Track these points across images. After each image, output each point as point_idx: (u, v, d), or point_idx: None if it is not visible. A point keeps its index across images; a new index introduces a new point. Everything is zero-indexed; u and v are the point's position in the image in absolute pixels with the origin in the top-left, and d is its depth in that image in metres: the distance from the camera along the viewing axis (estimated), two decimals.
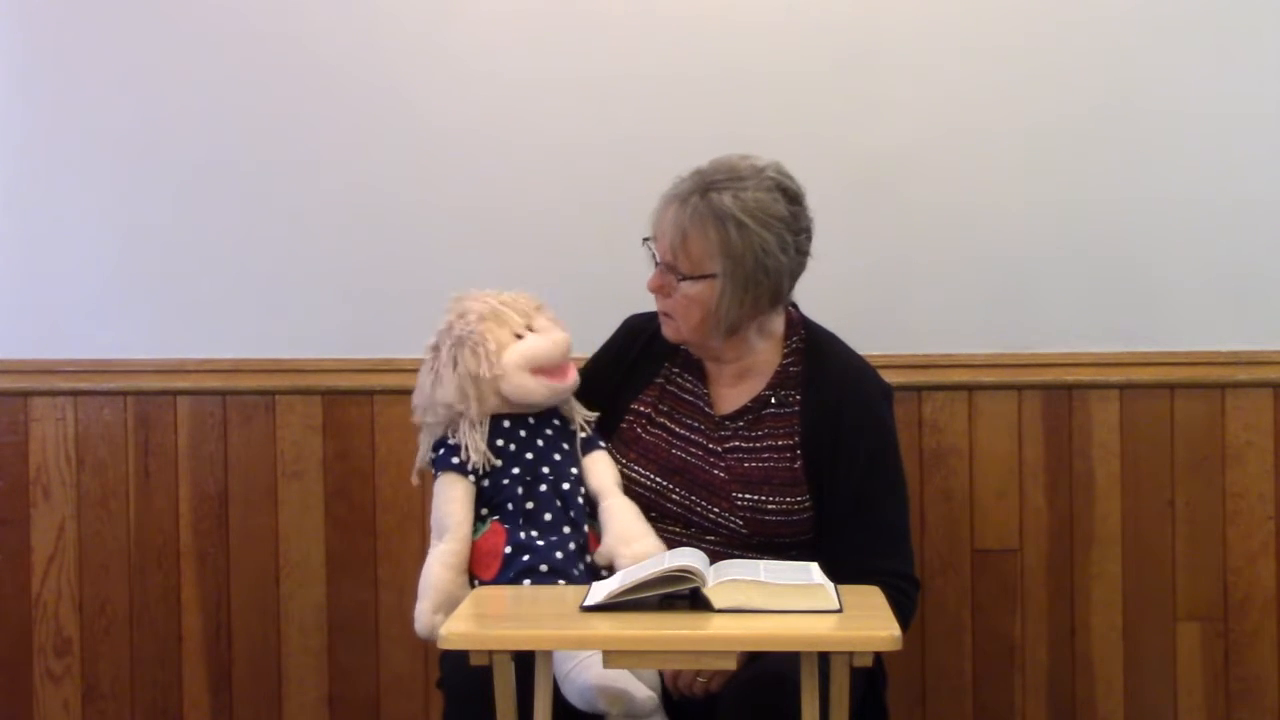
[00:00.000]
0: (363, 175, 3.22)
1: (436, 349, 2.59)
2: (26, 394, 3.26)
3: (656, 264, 2.61)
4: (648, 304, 2.69)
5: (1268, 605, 3.14)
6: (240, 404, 3.24)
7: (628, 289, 2.68)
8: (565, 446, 2.60)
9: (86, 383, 3.24)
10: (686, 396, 2.70)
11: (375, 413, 3.22)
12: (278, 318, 3.24)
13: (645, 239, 2.62)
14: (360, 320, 3.23)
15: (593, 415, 2.66)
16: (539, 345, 2.56)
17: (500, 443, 2.56)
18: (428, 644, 3.10)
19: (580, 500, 2.57)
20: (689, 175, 2.60)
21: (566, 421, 2.63)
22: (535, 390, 2.56)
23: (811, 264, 2.67)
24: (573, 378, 2.62)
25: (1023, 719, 3.17)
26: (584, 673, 2.36)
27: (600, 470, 2.61)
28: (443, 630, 2.16)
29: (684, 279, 2.57)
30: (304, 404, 3.22)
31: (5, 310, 3.28)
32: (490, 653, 2.15)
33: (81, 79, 3.25)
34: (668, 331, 2.65)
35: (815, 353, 2.69)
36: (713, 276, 2.56)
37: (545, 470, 2.56)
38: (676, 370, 2.71)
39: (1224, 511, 3.14)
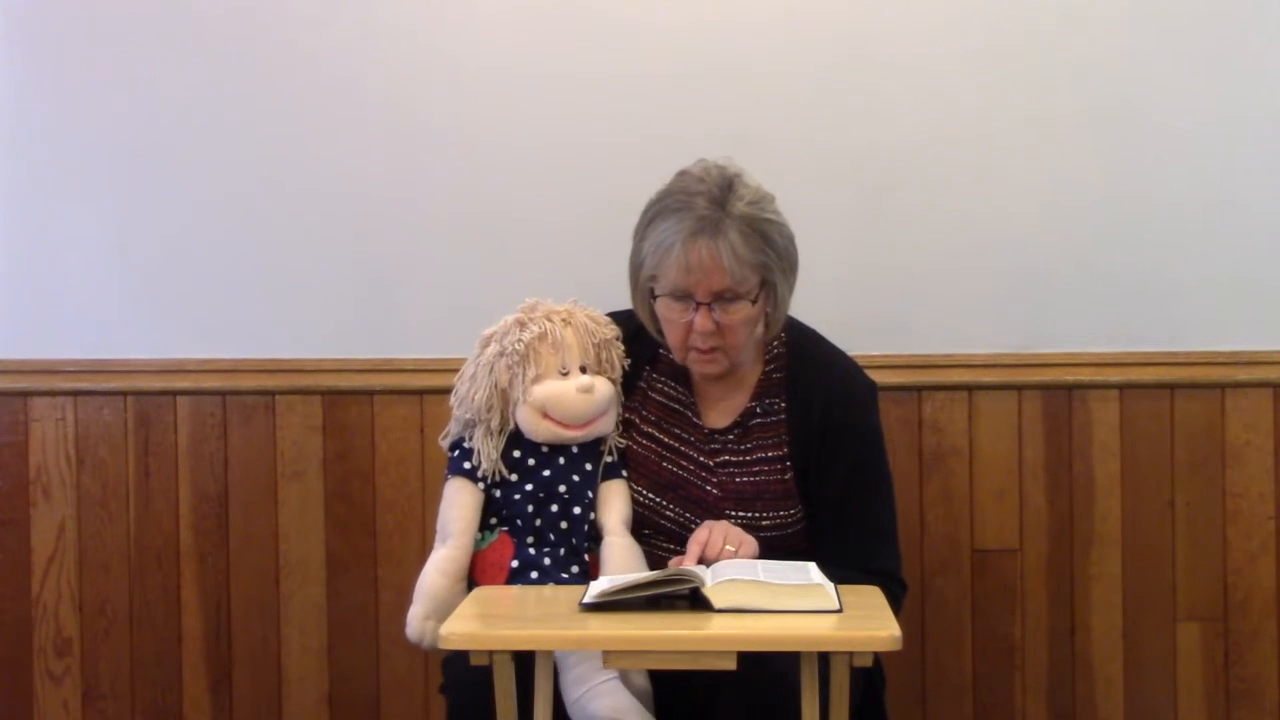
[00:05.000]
0: (363, 175, 3.22)
1: (487, 343, 2.55)
2: (26, 394, 3.26)
3: (695, 307, 2.53)
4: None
5: (1268, 605, 3.14)
6: (240, 404, 3.24)
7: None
8: (587, 467, 2.56)
9: (86, 383, 3.24)
10: (673, 405, 2.68)
11: (375, 413, 3.22)
12: (278, 318, 3.24)
13: (676, 296, 2.53)
14: (360, 320, 3.23)
15: (623, 443, 2.62)
16: (566, 400, 2.52)
17: (518, 454, 2.54)
18: None
19: (586, 527, 2.54)
20: (683, 210, 2.52)
21: (597, 441, 2.59)
22: (540, 431, 2.53)
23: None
24: (589, 430, 2.54)
25: (1023, 719, 3.17)
26: (593, 701, 2.35)
27: (613, 503, 2.57)
28: (443, 630, 2.16)
29: (742, 300, 2.53)
30: (304, 404, 3.23)
31: (5, 310, 3.28)
32: (490, 653, 2.15)
33: (81, 79, 3.25)
34: (712, 369, 2.60)
35: (798, 356, 2.67)
36: (769, 281, 2.55)
37: (561, 489, 2.53)
38: (659, 377, 2.69)
39: (1224, 511, 3.14)
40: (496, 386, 2.52)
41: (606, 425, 2.58)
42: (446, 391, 3.15)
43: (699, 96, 3.16)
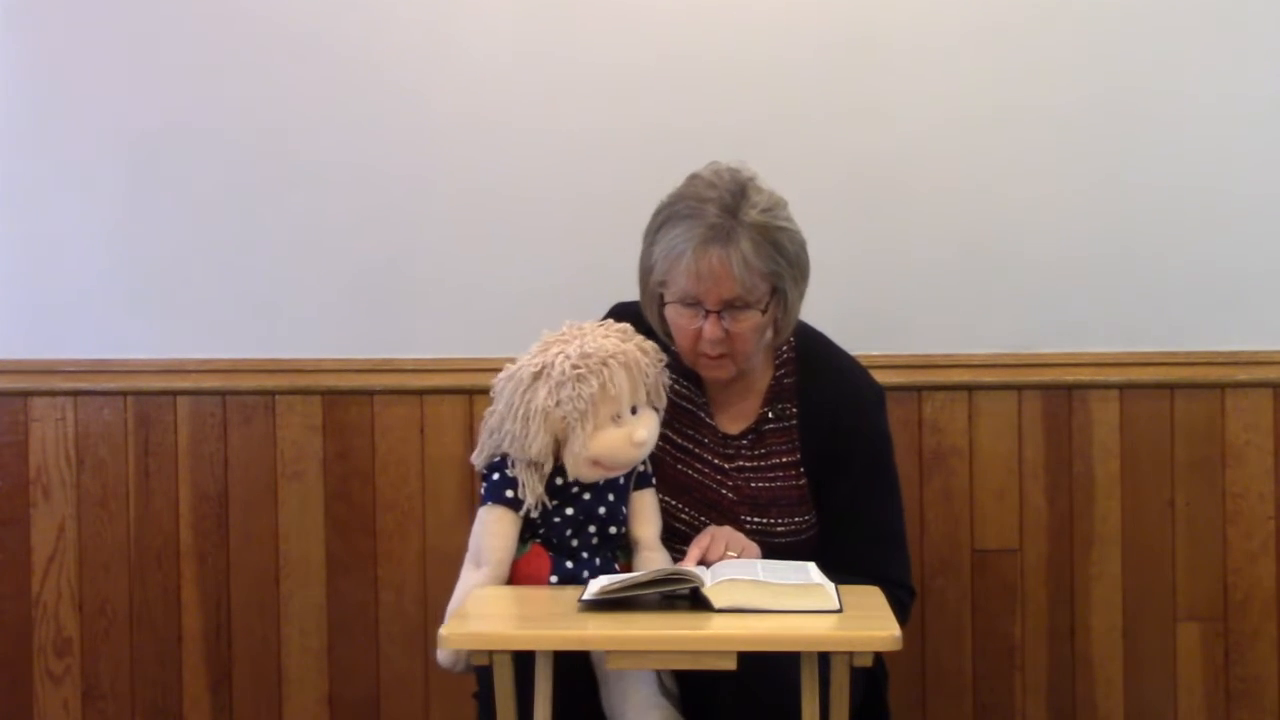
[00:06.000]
0: (363, 174, 3.22)
1: (539, 377, 2.44)
2: (26, 394, 3.25)
3: (704, 315, 2.52)
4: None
5: (1268, 605, 3.14)
6: (240, 404, 3.24)
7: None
8: (620, 482, 2.52)
9: (86, 383, 3.24)
10: (685, 405, 2.67)
11: (375, 413, 3.22)
12: (278, 318, 3.24)
13: (685, 303, 2.52)
14: (360, 320, 3.23)
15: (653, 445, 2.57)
16: (620, 453, 2.45)
17: (560, 481, 2.48)
18: (427, 644, 3.12)
19: (618, 541, 2.53)
20: (694, 216, 2.50)
21: None
22: (588, 475, 2.47)
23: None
24: (632, 466, 2.51)
25: (1023, 719, 3.17)
26: (637, 716, 2.35)
27: (647, 516, 2.54)
28: (444, 630, 2.16)
29: (752, 309, 2.51)
30: (304, 404, 3.22)
31: (5, 310, 3.28)
32: (490, 653, 2.15)
33: (81, 78, 3.25)
34: (720, 374, 2.59)
35: (807, 361, 2.66)
36: (780, 289, 2.53)
37: (600, 512, 2.49)
38: (673, 377, 2.65)
39: (1224, 511, 3.14)
40: (555, 440, 2.44)
41: (649, 452, 2.53)
42: (447, 392, 3.17)
43: (703, 90, 3.15)
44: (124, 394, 3.25)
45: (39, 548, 3.27)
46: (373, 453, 3.23)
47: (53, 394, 3.25)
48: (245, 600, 3.25)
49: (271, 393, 3.23)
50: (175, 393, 3.24)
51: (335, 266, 3.23)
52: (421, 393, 3.20)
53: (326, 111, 3.22)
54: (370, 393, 3.22)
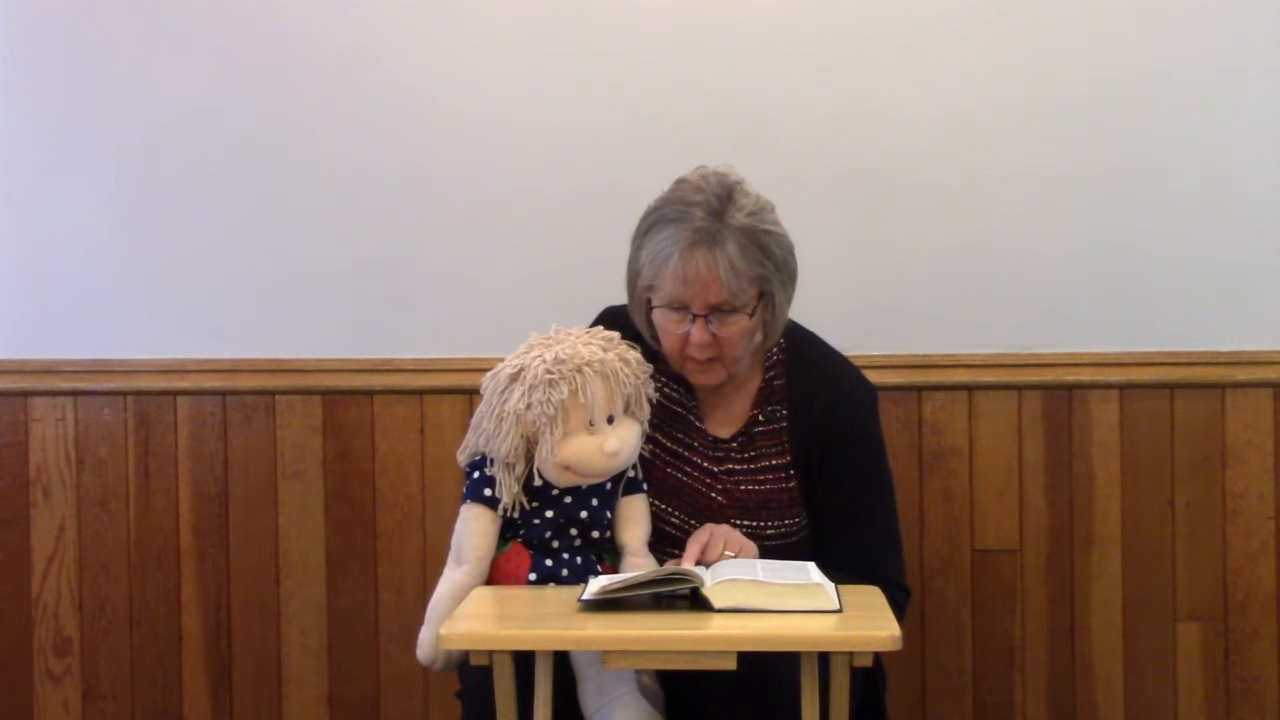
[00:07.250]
0: (363, 174, 3.22)
1: (515, 379, 2.44)
2: (26, 394, 3.26)
3: (691, 319, 2.52)
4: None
5: (1268, 605, 3.14)
6: (240, 404, 3.24)
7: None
8: (607, 486, 2.51)
9: (86, 383, 3.24)
10: (675, 408, 2.66)
11: (375, 413, 3.22)
12: (278, 318, 3.24)
13: (673, 306, 2.52)
14: (360, 320, 3.23)
15: (645, 450, 2.56)
16: (591, 461, 2.43)
17: (539, 483, 2.47)
18: None
19: (602, 545, 2.52)
20: (680, 220, 2.50)
21: None
22: (562, 480, 2.46)
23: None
24: (607, 475, 2.49)
25: (1023, 719, 3.17)
26: (614, 713, 2.34)
27: (636, 521, 2.52)
28: (443, 630, 2.17)
29: (739, 313, 2.51)
30: (304, 404, 3.22)
31: (5, 310, 3.28)
32: (490, 653, 2.16)
33: (81, 78, 3.25)
34: (709, 379, 2.58)
35: (797, 362, 2.66)
36: (768, 292, 2.53)
37: (582, 515, 2.48)
38: (660, 378, 2.64)
39: (1224, 511, 3.14)
40: (525, 440, 2.44)
41: (629, 462, 2.51)
42: (447, 391, 3.18)
43: (705, 88, 3.15)
44: (124, 394, 3.25)
45: (39, 548, 3.27)
46: (373, 453, 3.23)
47: (53, 394, 3.25)
48: (245, 600, 3.25)
49: (271, 393, 3.23)
50: (175, 393, 3.24)
51: (335, 267, 3.23)
52: (421, 393, 3.20)
53: (327, 111, 3.22)
54: (370, 393, 3.22)
